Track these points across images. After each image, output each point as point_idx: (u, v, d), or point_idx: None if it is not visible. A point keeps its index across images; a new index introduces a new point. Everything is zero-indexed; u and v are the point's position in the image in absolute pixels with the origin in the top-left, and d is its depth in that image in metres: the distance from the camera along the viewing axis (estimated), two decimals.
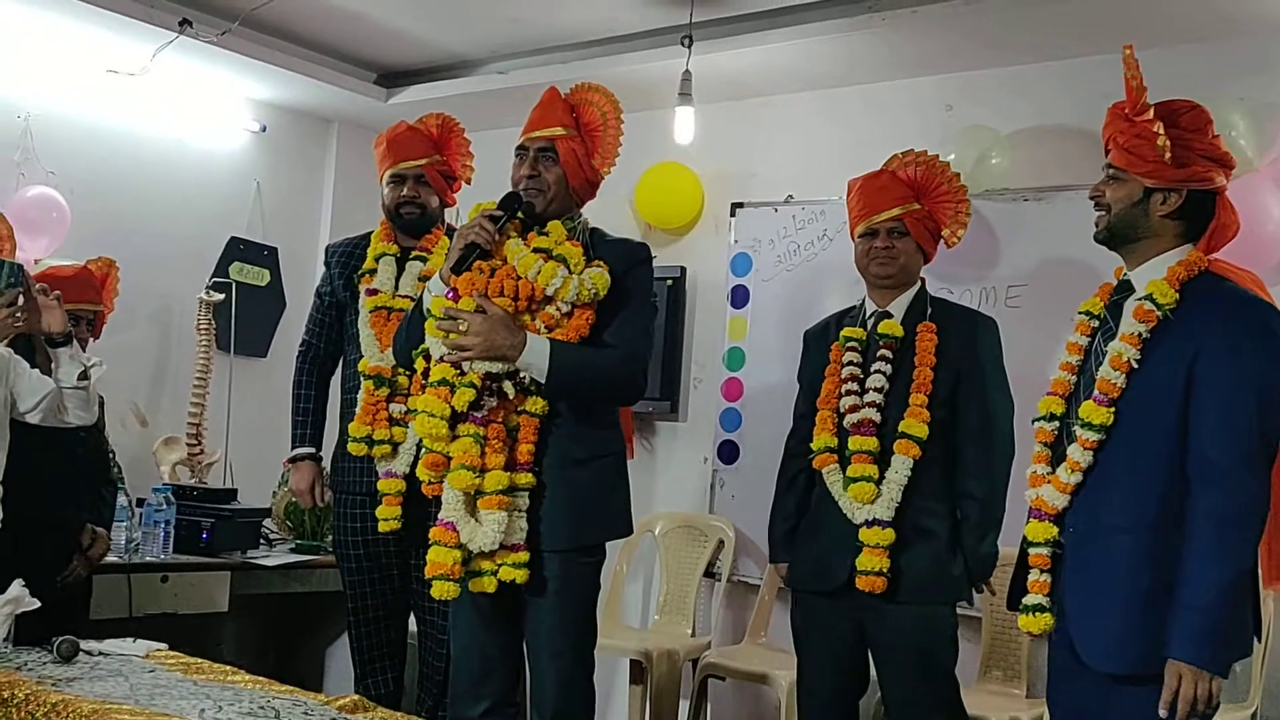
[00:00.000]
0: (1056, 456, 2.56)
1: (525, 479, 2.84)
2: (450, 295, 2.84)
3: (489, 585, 2.84)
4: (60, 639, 3.06)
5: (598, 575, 3.03)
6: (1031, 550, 2.57)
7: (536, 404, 2.86)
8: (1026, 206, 4.27)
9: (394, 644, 3.82)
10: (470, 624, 2.98)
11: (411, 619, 3.83)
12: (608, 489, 3.00)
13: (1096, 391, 2.46)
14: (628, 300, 2.95)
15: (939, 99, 4.60)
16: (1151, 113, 2.48)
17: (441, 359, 2.84)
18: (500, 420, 2.85)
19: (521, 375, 2.83)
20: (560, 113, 3.02)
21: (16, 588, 3.10)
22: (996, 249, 4.31)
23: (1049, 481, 2.54)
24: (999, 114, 4.40)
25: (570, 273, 2.85)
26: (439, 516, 2.85)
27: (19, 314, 3.17)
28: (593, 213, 3.16)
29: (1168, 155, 2.44)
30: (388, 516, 3.48)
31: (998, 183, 4.28)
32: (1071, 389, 2.60)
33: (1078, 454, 2.48)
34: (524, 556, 2.83)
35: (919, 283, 3.39)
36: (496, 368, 2.79)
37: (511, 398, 2.84)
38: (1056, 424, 2.59)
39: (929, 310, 3.33)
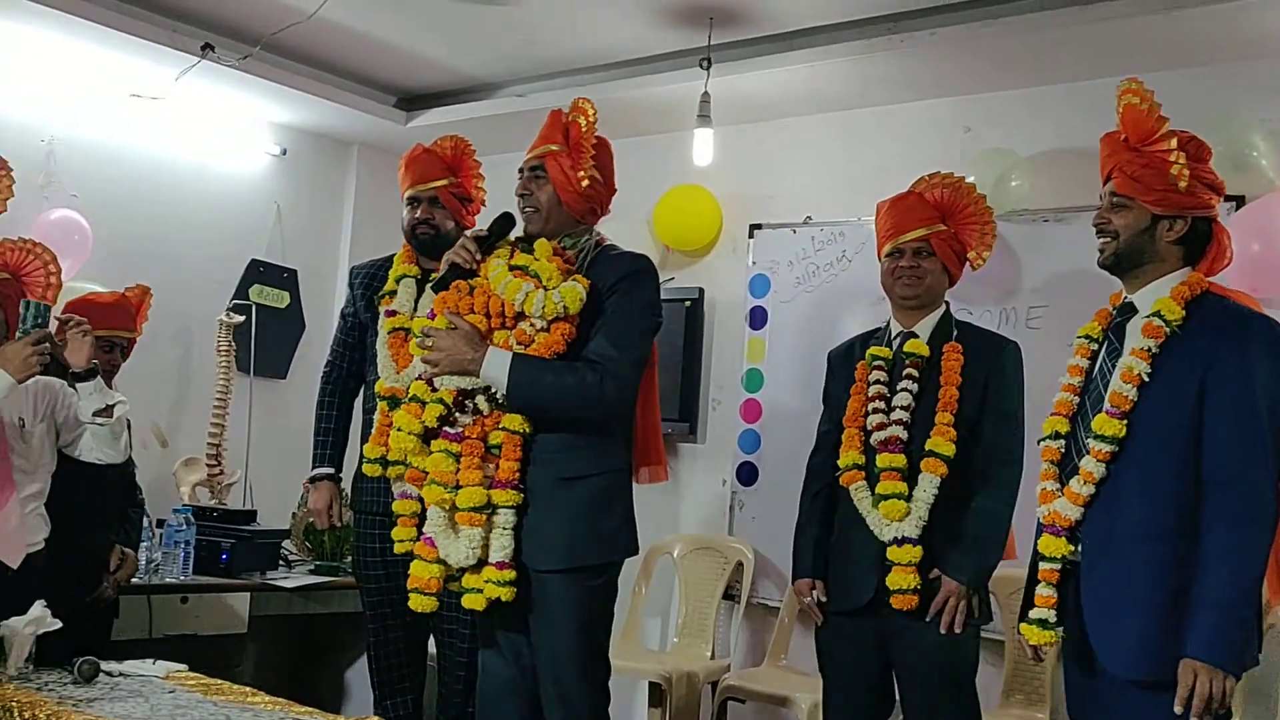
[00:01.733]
0: (1066, 473, 2.63)
1: (507, 496, 2.84)
2: (430, 315, 2.94)
3: (477, 603, 2.85)
4: (81, 660, 3.07)
5: (607, 597, 3.00)
6: (1043, 565, 2.61)
7: (515, 421, 2.86)
8: (1046, 228, 4.26)
9: (413, 665, 3.81)
10: (487, 643, 3.02)
11: (431, 640, 3.83)
12: (602, 507, 2.95)
13: (1108, 405, 2.53)
14: (612, 312, 2.93)
15: (958, 121, 4.61)
16: (1174, 141, 2.56)
17: (419, 376, 2.94)
18: (477, 436, 2.87)
19: (494, 391, 2.85)
20: (553, 131, 3.05)
21: (38, 608, 3.11)
22: (1017, 271, 4.30)
23: (1061, 495, 2.59)
24: (1018, 136, 4.41)
25: (543, 288, 2.86)
26: (423, 531, 2.91)
27: (43, 354, 3.21)
28: (611, 234, 3.16)
29: (1182, 184, 2.54)
30: (403, 538, 3.47)
31: (1018, 204, 4.27)
32: (1075, 409, 2.68)
33: (1091, 465, 2.54)
34: (509, 575, 2.82)
35: (944, 305, 3.39)
36: (466, 383, 2.85)
37: (487, 414, 2.87)
38: (1062, 442, 2.66)
39: (954, 331, 3.33)
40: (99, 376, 3.36)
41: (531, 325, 2.87)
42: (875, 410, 3.28)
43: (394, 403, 3.55)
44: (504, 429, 2.87)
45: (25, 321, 3.24)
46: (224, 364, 5.19)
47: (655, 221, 5.19)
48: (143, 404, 4.85)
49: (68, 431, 3.48)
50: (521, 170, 3.05)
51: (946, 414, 3.20)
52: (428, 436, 2.89)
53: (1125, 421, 2.50)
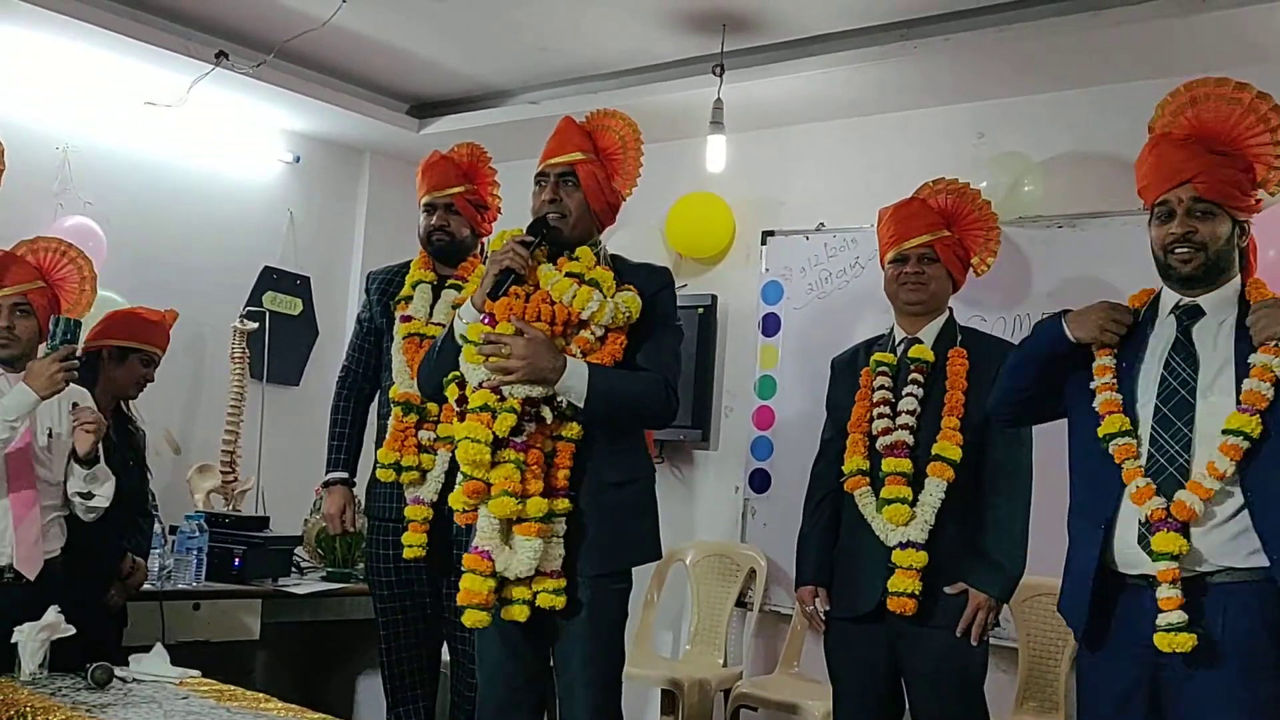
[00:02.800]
0: (1154, 469, 2.50)
1: (562, 505, 2.83)
2: (486, 320, 2.84)
3: (520, 614, 2.83)
4: (94, 665, 3.07)
5: (626, 601, 3.01)
6: (1160, 565, 2.43)
7: (573, 429, 2.85)
8: (1059, 234, 4.25)
9: (426, 672, 3.81)
10: (497, 652, 2.96)
11: (444, 647, 3.82)
12: (640, 513, 2.99)
13: (1242, 403, 2.44)
14: (656, 323, 2.95)
15: (971, 126, 4.60)
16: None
17: (481, 385, 2.81)
18: (538, 446, 2.84)
19: (559, 399, 2.82)
20: (578, 138, 3.03)
21: (52, 614, 3.13)
22: (1029, 276, 4.29)
23: (1186, 488, 2.44)
24: (1031, 141, 4.40)
25: (604, 297, 2.86)
26: (473, 544, 2.83)
27: (70, 370, 3.23)
28: (622, 242, 3.18)
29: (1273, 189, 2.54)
30: (413, 543, 3.48)
31: (1030, 210, 4.26)
32: (1121, 406, 2.58)
33: (1222, 463, 2.42)
34: (561, 583, 2.81)
35: (948, 311, 3.38)
36: (537, 391, 2.78)
37: (549, 422, 2.84)
38: (1130, 439, 2.53)
39: (959, 337, 3.32)
40: (97, 467, 3.38)
41: (591, 333, 2.87)
42: (880, 415, 3.27)
43: (408, 408, 3.55)
44: (561, 437, 2.85)
45: (54, 338, 3.26)
46: (237, 371, 5.20)
47: (668, 228, 5.19)
48: (156, 411, 4.87)
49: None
50: (546, 175, 3.01)
51: (952, 419, 3.19)
52: (496, 446, 2.80)
53: (1259, 418, 2.41)
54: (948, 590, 3.12)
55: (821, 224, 4.85)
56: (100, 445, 3.41)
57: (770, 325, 4.95)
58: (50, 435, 3.37)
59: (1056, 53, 4.08)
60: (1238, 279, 2.60)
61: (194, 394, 5.40)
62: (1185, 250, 2.56)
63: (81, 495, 3.39)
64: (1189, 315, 2.60)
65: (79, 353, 3.37)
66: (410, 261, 3.83)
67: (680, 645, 4.97)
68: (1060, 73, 4.24)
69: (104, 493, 3.43)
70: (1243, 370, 2.48)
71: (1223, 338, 2.55)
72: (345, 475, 3.85)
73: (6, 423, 3.16)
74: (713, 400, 5.15)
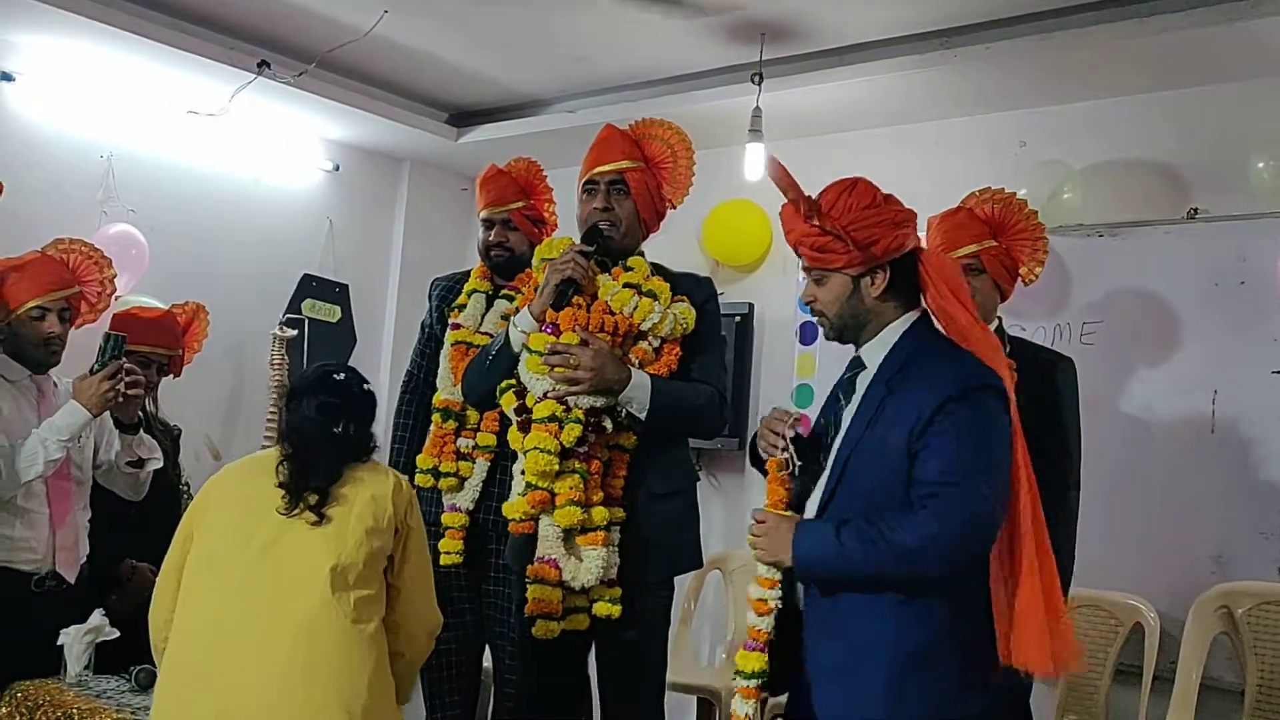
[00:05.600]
0: None
1: (619, 513, 2.84)
2: (550, 330, 2.82)
3: (582, 623, 2.82)
4: (138, 668, 3.10)
5: (670, 609, 3.02)
6: None
7: (630, 439, 2.86)
8: (1100, 242, 4.22)
9: (465, 679, 3.79)
10: (538, 662, 2.97)
11: (486, 655, 3.82)
12: (686, 522, 3.01)
13: None
14: (706, 334, 2.96)
15: (1012, 134, 4.58)
16: (817, 216, 2.44)
17: (546, 395, 2.80)
18: (598, 455, 2.84)
19: (620, 410, 2.82)
20: (626, 146, 3.03)
21: (97, 617, 3.16)
22: (1070, 285, 4.26)
23: None
24: (1072, 149, 4.37)
25: (663, 309, 2.86)
26: (538, 554, 2.82)
27: (119, 385, 3.26)
28: (659, 249, 3.17)
29: (848, 248, 2.39)
30: (449, 550, 3.48)
31: (1071, 218, 4.23)
32: None
33: None
34: (618, 592, 2.82)
35: (996, 321, 3.36)
36: (601, 402, 2.78)
37: (609, 432, 2.83)
38: None
39: (1008, 348, 3.30)
40: (140, 433, 3.38)
41: (649, 344, 2.87)
42: None
43: (446, 414, 3.56)
44: (618, 446, 2.86)
45: (104, 354, 3.29)
46: (277, 377, 5.24)
47: (704, 237, 5.19)
48: (196, 417, 4.92)
49: (102, 453, 3.53)
50: (596, 183, 3.00)
51: None
52: (561, 457, 2.79)
53: None
54: None
55: None
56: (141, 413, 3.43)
57: (808, 334, 4.94)
58: (80, 437, 3.40)
59: (1097, 61, 4.05)
60: (901, 320, 2.46)
61: (234, 400, 5.45)
62: (817, 319, 2.54)
63: (132, 464, 3.38)
64: (851, 366, 2.55)
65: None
66: (470, 270, 3.85)
67: (717, 654, 4.96)
68: (1101, 81, 4.21)
69: (154, 457, 3.44)
70: None
71: None
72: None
73: (60, 442, 3.19)
74: (749, 409, 5.14)
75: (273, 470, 2.56)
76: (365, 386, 2.74)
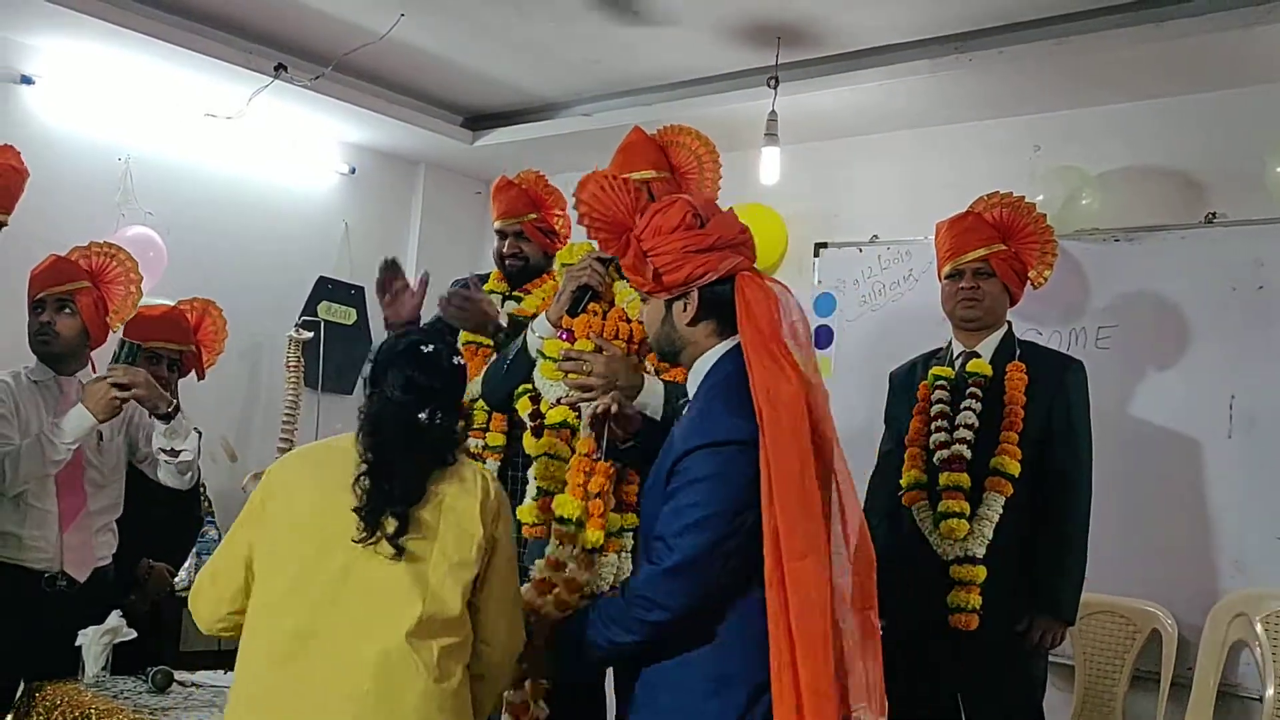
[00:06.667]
0: None
1: (631, 520, 2.84)
2: (564, 337, 2.82)
3: None
4: (154, 669, 3.11)
5: None
6: None
7: None
8: (1116, 247, 4.21)
9: None
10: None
11: None
12: None
13: None
14: None
15: (1027, 139, 4.57)
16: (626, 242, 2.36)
17: (559, 401, 2.79)
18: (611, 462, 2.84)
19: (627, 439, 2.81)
20: (654, 155, 3.02)
21: (114, 618, 3.17)
22: (1086, 290, 4.25)
23: None
24: (1088, 154, 4.36)
25: None
26: (548, 552, 2.83)
27: (125, 391, 3.26)
28: None
29: (649, 274, 2.30)
30: None
31: (1087, 223, 4.23)
32: None
33: None
34: None
35: (1006, 324, 3.36)
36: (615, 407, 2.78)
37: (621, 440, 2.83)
38: None
39: (1017, 351, 3.30)
40: (176, 420, 3.36)
41: None
42: (938, 429, 3.26)
43: None
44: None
45: (116, 359, 3.30)
46: (292, 379, 5.26)
47: None
48: (212, 418, 4.94)
49: (142, 446, 3.53)
50: None
51: (1012, 433, 3.18)
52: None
53: None
54: (1017, 629, 3.10)
55: (875, 236, 4.83)
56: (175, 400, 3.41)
57: (823, 338, 4.94)
58: (101, 439, 3.41)
59: (1113, 65, 4.04)
60: (717, 349, 2.32)
61: (250, 402, 5.47)
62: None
63: (167, 452, 3.38)
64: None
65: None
66: (490, 273, 3.87)
67: None
68: (1117, 85, 4.20)
69: (189, 446, 3.39)
70: None
71: None
72: None
73: (65, 445, 3.19)
74: None
75: (349, 474, 2.25)
76: (457, 360, 2.38)
